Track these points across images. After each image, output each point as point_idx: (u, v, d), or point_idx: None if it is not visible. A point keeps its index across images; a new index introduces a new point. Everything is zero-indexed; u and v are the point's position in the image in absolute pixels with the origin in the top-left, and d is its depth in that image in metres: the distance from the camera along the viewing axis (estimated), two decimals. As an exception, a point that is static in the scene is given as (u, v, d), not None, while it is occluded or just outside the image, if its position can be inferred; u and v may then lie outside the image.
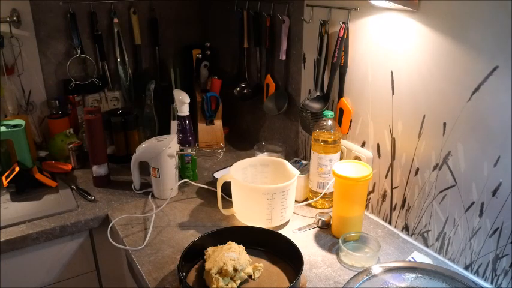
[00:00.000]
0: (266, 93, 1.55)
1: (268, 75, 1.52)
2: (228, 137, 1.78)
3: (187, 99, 1.35)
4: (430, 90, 0.98)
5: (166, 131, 1.54)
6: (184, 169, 1.38)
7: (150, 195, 1.31)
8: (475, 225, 0.94)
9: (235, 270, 0.91)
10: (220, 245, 0.99)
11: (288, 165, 1.19)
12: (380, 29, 1.07)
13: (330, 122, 1.17)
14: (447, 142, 0.96)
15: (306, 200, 1.27)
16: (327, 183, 1.20)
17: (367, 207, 1.23)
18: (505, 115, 0.84)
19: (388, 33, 1.06)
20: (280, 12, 1.39)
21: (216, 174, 1.36)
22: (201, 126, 1.67)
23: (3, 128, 1.34)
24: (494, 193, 0.89)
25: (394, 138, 1.10)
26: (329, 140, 1.16)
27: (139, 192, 1.34)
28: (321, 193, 1.22)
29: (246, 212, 1.15)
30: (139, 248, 1.06)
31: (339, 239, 1.04)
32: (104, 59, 1.69)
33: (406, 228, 1.12)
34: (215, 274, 0.89)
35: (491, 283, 0.93)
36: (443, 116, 0.96)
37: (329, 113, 1.17)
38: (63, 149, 1.51)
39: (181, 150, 1.32)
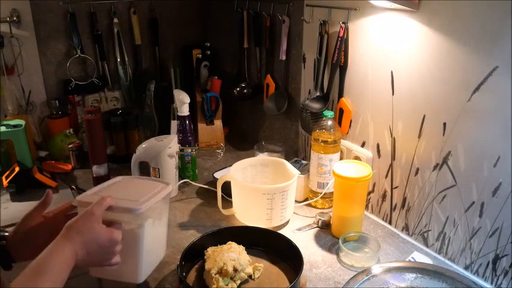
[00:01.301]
0: (266, 93, 1.55)
1: (268, 75, 1.52)
2: (228, 137, 1.78)
3: (187, 99, 1.35)
4: (430, 90, 0.98)
5: (166, 131, 1.54)
6: (184, 169, 1.38)
7: (150, 195, 1.31)
8: (475, 225, 0.94)
9: (235, 270, 0.90)
10: (220, 245, 0.99)
11: (288, 165, 1.19)
12: (380, 29, 1.07)
13: (330, 122, 1.17)
14: (447, 142, 0.96)
15: (306, 200, 1.27)
16: (327, 183, 1.20)
17: (367, 207, 1.23)
18: (505, 115, 0.84)
19: (388, 33, 1.05)
20: (280, 12, 1.39)
21: (216, 174, 1.36)
22: (201, 126, 1.67)
23: (3, 128, 1.34)
24: (494, 193, 0.89)
25: (394, 138, 1.10)
26: (329, 140, 1.16)
27: (139, 192, 1.34)
28: (321, 193, 1.22)
29: (246, 212, 1.15)
30: (139, 248, 1.06)
31: (339, 239, 1.04)
32: (104, 59, 1.68)
33: (406, 228, 1.12)
34: (215, 274, 0.89)
35: (491, 283, 0.93)
36: (443, 116, 0.96)
37: (329, 113, 1.17)
38: (63, 149, 1.50)
39: (181, 150, 1.32)
